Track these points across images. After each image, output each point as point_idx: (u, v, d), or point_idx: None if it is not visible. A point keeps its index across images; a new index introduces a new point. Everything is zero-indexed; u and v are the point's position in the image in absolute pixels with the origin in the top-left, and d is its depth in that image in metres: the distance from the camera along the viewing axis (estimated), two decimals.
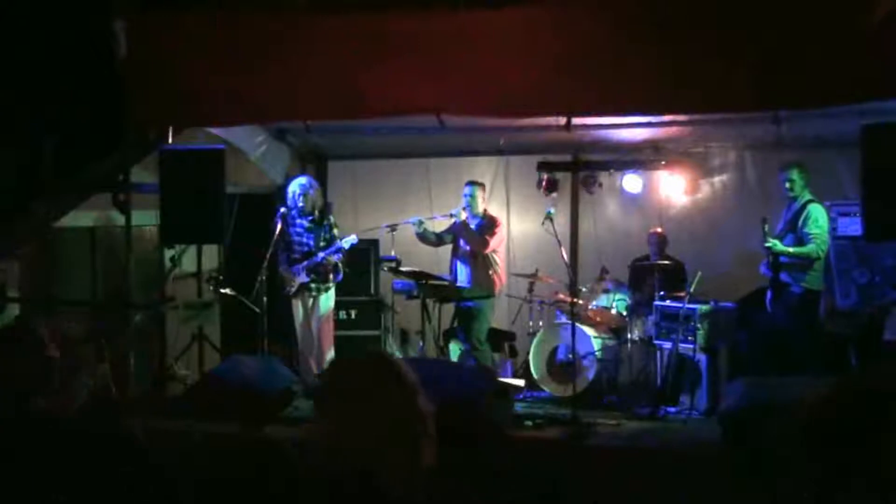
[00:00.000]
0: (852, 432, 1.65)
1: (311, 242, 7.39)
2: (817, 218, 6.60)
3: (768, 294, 6.75)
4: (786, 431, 1.74)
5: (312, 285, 7.41)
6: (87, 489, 2.07)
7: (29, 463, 2.12)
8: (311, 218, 7.41)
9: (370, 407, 1.95)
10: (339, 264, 7.43)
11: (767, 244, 6.56)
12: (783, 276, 6.66)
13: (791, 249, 6.58)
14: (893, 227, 5.46)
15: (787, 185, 6.73)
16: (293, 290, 7.44)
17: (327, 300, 7.51)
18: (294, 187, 7.39)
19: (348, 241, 7.28)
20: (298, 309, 7.53)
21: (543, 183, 8.48)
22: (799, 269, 6.61)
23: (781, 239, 6.69)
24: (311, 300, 7.47)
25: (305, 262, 7.35)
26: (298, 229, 7.43)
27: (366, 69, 5.95)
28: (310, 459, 1.98)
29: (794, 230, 6.67)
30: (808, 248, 6.56)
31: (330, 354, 7.55)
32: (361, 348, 8.15)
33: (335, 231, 7.44)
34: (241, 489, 1.97)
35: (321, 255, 7.30)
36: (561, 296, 7.77)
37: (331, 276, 7.45)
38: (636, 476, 5.18)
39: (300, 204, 7.33)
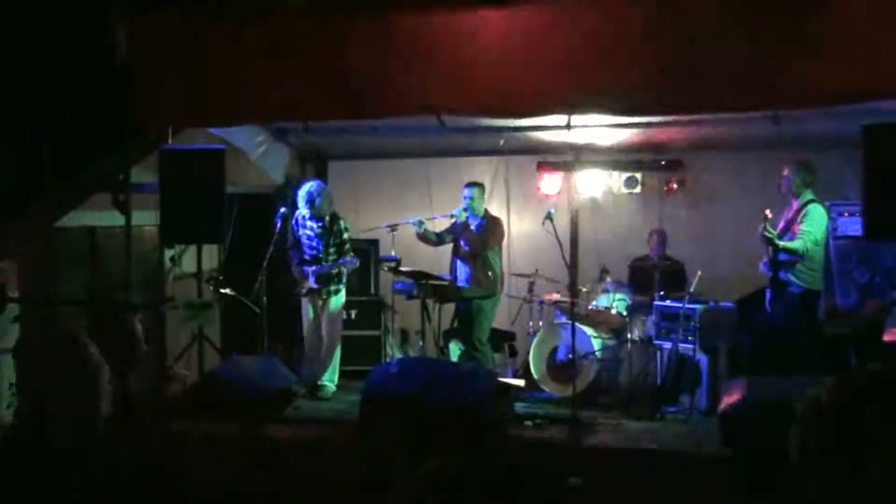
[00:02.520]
0: (853, 426, 1.65)
1: (321, 247, 7.42)
2: (814, 217, 6.60)
3: (768, 293, 6.75)
4: (785, 429, 1.75)
5: (322, 288, 7.44)
6: None
7: None
8: (321, 223, 7.43)
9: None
10: (343, 269, 7.45)
11: (768, 234, 6.52)
12: (782, 276, 6.65)
13: (781, 242, 6.58)
14: (893, 227, 5.45)
15: (788, 182, 6.73)
16: (304, 290, 7.46)
17: (337, 301, 7.53)
18: (302, 193, 7.44)
19: (349, 264, 7.33)
20: (308, 309, 7.55)
21: (543, 183, 8.50)
22: (798, 269, 6.60)
23: (781, 237, 6.68)
24: (321, 301, 7.49)
25: (315, 268, 7.37)
26: (309, 232, 7.48)
27: (366, 69, 5.94)
28: None
29: (792, 230, 6.67)
30: (795, 244, 6.55)
31: (338, 352, 7.56)
32: (362, 348, 8.16)
33: (345, 236, 7.45)
34: None
35: (327, 265, 7.34)
36: (560, 296, 7.78)
37: (337, 280, 7.49)
38: (636, 476, 5.19)
39: (307, 211, 7.38)
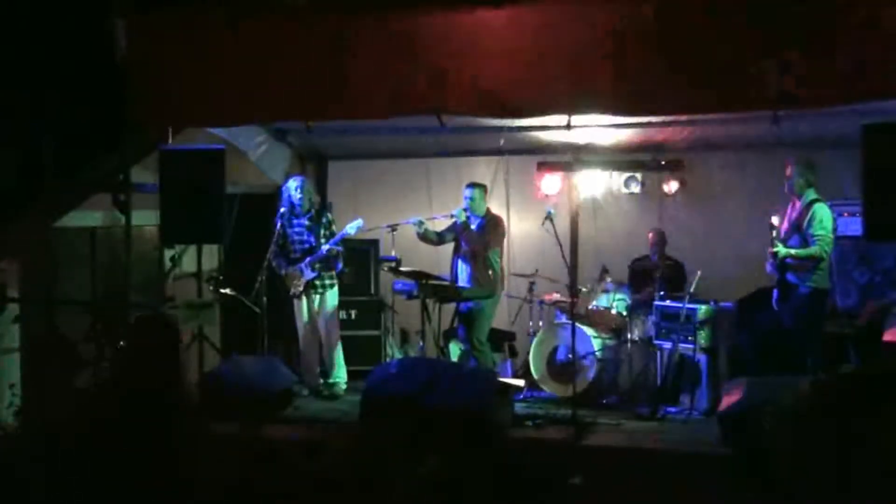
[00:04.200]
0: (835, 424, 1.67)
1: (313, 240, 7.43)
2: (822, 218, 6.52)
3: (775, 293, 6.70)
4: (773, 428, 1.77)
5: (318, 282, 7.43)
6: None
7: None
8: (309, 216, 7.45)
9: None
10: (340, 253, 7.48)
11: (774, 249, 6.49)
12: (790, 277, 6.58)
13: (793, 252, 6.53)
14: (893, 227, 5.45)
15: (792, 181, 6.67)
16: (300, 289, 7.45)
17: (333, 298, 7.53)
18: (293, 186, 7.46)
19: (354, 226, 7.32)
20: (303, 308, 7.54)
21: (543, 183, 8.50)
22: (805, 270, 6.55)
23: (787, 239, 6.62)
24: (317, 298, 7.49)
25: (308, 258, 7.37)
26: (297, 229, 7.47)
27: (366, 69, 5.95)
28: None
29: (800, 231, 6.59)
30: (812, 250, 6.49)
31: (338, 351, 7.56)
32: (361, 348, 8.16)
33: (333, 228, 7.49)
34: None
35: (325, 247, 7.34)
36: (560, 296, 7.77)
37: (333, 272, 7.49)
38: (636, 476, 5.19)
39: (299, 203, 7.39)
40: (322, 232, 7.43)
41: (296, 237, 7.48)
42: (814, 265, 6.51)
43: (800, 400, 1.67)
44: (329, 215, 7.60)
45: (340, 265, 7.59)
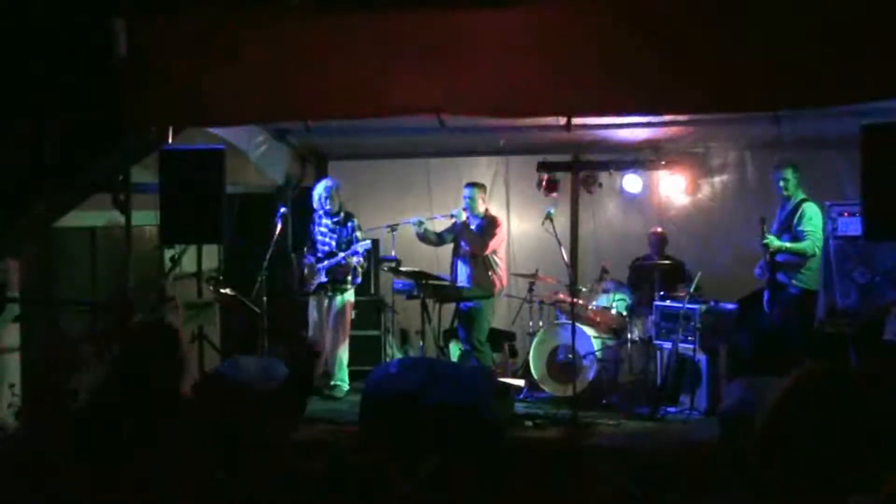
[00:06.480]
0: (801, 433, 1.66)
1: (333, 244, 7.49)
2: (811, 216, 6.64)
3: (765, 294, 6.76)
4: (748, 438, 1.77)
5: (329, 285, 7.50)
6: None
7: None
8: (336, 219, 7.52)
9: None
10: (359, 267, 7.51)
11: (765, 241, 6.57)
12: (780, 277, 6.66)
13: (787, 245, 6.60)
14: (893, 227, 5.46)
15: (781, 184, 6.78)
16: (312, 287, 7.52)
17: (342, 302, 7.57)
18: (320, 189, 7.56)
19: (362, 246, 7.39)
20: (313, 309, 7.60)
21: (543, 183, 8.50)
22: (795, 269, 6.62)
23: (778, 238, 6.70)
24: (326, 300, 7.52)
25: (327, 263, 7.43)
26: (323, 229, 7.59)
27: (366, 69, 5.94)
28: None
29: (790, 229, 6.70)
30: (803, 245, 6.59)
31: (342, 354, 7.56)
32: (362, 348, 8.16)
33: (358, 234, 7.50)
34: None
35: (339, 256, 7.40)
36: (561, 296, 7.78)
37: (348, 279, 7.52)
38: (636, 476, 5.19)
39: (327, 206, 7.49)
40: (344, 238, 7.51)
41: (319, 237, 7.61)
42: (802, 264, 6.57)
43: (773, 396, 1.67)
44: (356, 222, 7.60)
45: (359, 280, 7.64)
